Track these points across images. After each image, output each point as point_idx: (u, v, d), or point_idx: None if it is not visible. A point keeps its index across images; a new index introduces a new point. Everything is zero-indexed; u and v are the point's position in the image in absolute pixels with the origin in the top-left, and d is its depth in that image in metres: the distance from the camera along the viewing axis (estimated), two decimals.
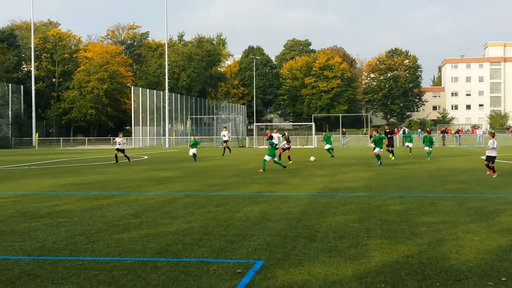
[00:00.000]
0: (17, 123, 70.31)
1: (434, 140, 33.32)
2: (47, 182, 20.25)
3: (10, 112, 68.83)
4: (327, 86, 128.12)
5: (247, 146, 60.14)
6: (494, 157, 20.27)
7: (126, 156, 31.49)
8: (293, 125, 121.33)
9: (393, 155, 31.73)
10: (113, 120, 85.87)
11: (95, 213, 12.41)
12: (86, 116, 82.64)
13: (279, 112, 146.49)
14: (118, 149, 31.31)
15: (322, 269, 7.43)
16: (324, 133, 40.68)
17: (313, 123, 65.76)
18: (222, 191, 16.62)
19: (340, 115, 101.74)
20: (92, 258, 8.18)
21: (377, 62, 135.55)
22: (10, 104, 69.05)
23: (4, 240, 9.44)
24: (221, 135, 41.14)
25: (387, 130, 34.20)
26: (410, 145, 39.88)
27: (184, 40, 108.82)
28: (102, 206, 13.50)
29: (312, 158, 29.66)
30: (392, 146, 32.68)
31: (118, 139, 31.55)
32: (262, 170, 23.65)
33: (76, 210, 12.83)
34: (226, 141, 41.03)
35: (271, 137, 26.00)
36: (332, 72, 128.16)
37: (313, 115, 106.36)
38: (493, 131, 22.45)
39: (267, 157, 24.40)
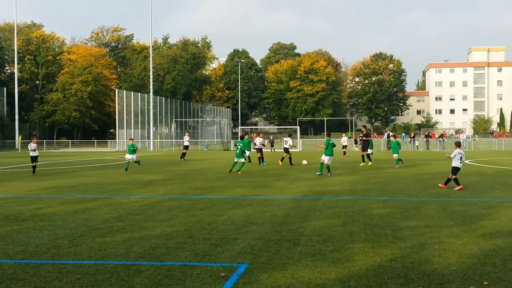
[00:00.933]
0: (0, 126, 69.66)
1: (401, 146, 31.35)
2: (30, 185, 20.08)
3: None
4: (312, 90, 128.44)
5: (231, 149, 60.07)
6: (456, 169, 17.86)
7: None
8: (278, 128, 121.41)
9: (363, 161, 29.68)
10: (97, 123, 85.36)
11: (78, 216, 12.33)
12: (69, 119, 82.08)
13: (264, 115, 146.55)
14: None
15: (305, 273, 7.44)
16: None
17: (298, 127, 65.94)
18: (207, 194, 16.58)
19: (325, 118, 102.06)
20: (75, 261, 8.12)
21: (362, 66, 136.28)
22: None
23: None
24: (185, 139, 39.38)
25: (364, 133, 32.08)
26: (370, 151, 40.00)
27: (169, 43, 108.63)
28: (86, 209, 13.41)
29: (304, 162, 29.29)
30: (366, 150, 30.21)
31: None
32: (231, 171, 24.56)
33: (59, 214, 12.73)
34: (186, 147, 39.26)
35: (241, 137, 27.03)
36: (317, 76, 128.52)
37: (298, 118, 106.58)
38: (459, 140, 21.73)
39: (237, 159, 25.01)
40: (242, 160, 24.99)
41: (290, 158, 31.00)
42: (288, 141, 31.52)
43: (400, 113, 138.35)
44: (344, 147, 42.38)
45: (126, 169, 26.75)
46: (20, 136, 67.67)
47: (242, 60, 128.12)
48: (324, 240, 9.49)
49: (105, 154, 32.41)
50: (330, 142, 23.89)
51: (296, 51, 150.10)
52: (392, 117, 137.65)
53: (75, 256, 8.46)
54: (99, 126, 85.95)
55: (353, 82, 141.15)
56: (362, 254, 8.47)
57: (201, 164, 33.28)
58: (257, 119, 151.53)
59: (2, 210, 13.29)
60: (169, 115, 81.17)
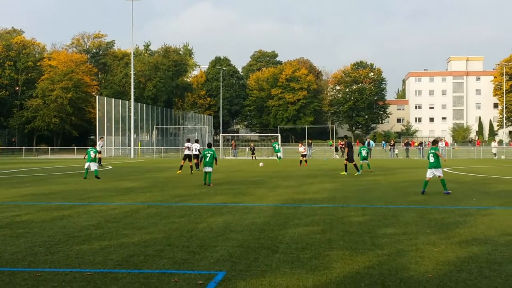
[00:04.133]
0: None
1: (364, 152, 30.55)
2: (7, 192, 19.86)
3: None
4: (293, 98, 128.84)
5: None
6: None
7: None
8: (259, 136, 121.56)
9: (345, 171, 29.29)
10: (77, 129, 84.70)
11: (56, 224, 12.22)
12: (49, 125, 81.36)
13: (245, 123, 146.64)
14: None
15: (283, 280, 7.46)
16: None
17: (279, 134, 66.10)
18: (186, 201, 16.54)
19: (306, 126, 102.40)
20: (52, 269, 8.06)
21: (343, 74, 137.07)
22: None
23: None
24: (98, 144, 38.74)
25: (347, 142, 31.47)
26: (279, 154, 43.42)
27: (150, 50, 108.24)
28: (63, 216, 13.31)
29: (261, 164, 28.74)
30: (352, 161, 29.53)
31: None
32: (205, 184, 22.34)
33: (37, 221, 12.62)
34: (99, 152, 38.17)
35: (209, 145, 24.16)
36: (298, 84, 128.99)
37: (279, 126, 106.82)
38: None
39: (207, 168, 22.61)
40: (210, 169, 22.61)
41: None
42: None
43: (380, 121, 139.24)
44: (303, 155, 40.19)
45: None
46: None
47: (224, 68, 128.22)
48: (302, 248, 9.52)
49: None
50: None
51: (278, 59, 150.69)
52: (373, 125, 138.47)
53: (52, 264, 8.39)
54: (79, 132, 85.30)
55: (334, 90, 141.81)
56: (340, 262, 8.51)
57: (183, 171, 33.16)
58: (238, 126, 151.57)
59: None
60: (150, 122, 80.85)
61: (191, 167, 30.33)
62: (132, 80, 68.37)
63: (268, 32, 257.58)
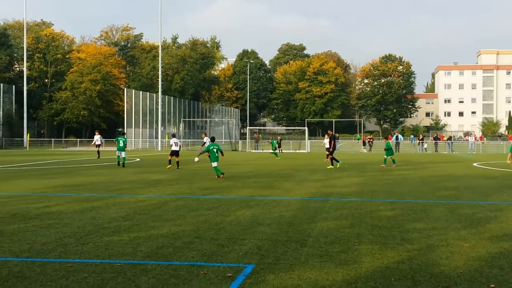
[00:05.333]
0: (8, 124, 69.88)
1: (390, 147, 30.97)
2: (37, 183, 20.14)
3: (1, 112, 68.43)
4: (320, 91, 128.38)
5: (240, 149, 60.15)
6: None
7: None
8: (286, 129, 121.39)
9: (332, 164, 29.54)
10: (105, 122, 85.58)
11: (85, 215, 12.35)
12: (78, 117, 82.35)
13: (272, 116, 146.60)
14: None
15: (312, 274, 7.42)
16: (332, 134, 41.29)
17: (306, 128, 65.91)
18: (214, 194, 16.58)
19: (334, 120, 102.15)
20: (82, 260, 8.13)
21: (371, 67, 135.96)
22: (1, 104, 68.63)
23: None
24: (94, 139, 40.28)
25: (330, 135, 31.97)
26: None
27: (178, 43, 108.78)
28: (93, 208, 13.44)
29: (196, 159, 27.68)
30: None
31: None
32: (218, 177, 22.32)
33: (67, 212, 12.76)
34: (98, 145, 39.49)
35: (212, 139, 24.40)
36: (326, 77, 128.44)
37: (306, 119, 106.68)
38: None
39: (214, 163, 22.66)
40: (216, 164, 22.65)
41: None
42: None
43: (409, 115, 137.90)
44: (327, 149, 39.86)
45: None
46: (28, 134, 67.95)
47: (251, 61, 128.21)
48: (331, 242, 9.46)
49: (113, 153, 32.61)
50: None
51: (305, 52, 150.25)
52: (401, 119, 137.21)
53: (82, 255, 8.46)
54: (107, 125, 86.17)
55: (362, 84, 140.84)
56: (369, 256, 8.44)
57: (209, 164, 33.26)
58: (265, 119, 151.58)
59: (9, 208, 13.33)
60: (177, 115, 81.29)
61: (178, 162, 28.25)
62: (160, 73, 68.77)
63: (296, 25, 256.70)
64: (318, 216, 12.32)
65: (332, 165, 29.48)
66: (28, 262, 8.01)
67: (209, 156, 23.07)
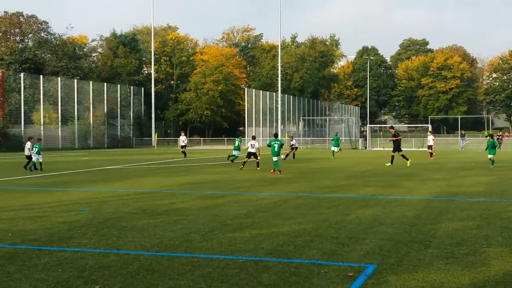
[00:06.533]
0: (138, 124, 73.71)
1: (497, 145, 28.66)
2: (165, 180, 21.06)
3: (131, 113, 72.27)
4: (445, 87, 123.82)
5: (360, 148, 59.39)
6: None
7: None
8: (408, 127, 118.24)
9: (391, 162, 28.46)
10: (227, 121, 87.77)
11: (209, 212, 12.73)
12: (201, 117, 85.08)
13: (393, 113, 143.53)
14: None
15: (437, 276, 7.17)
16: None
17: (429, 125, 63.80)
18: (334, 193, 16.49)
19: (459, 116, 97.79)
20: (206, 255, 8.38)
21: (500, 61, 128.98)
22: (131, 105, 72.49)
23: (125, 236, 9.90)
24: (180, 140, 40.78)
25: (393, 133, 30.54)
26: (335, 149, 38.79)
27: (297, 42, 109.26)
28: (216, 205, 13.83)
29: (282, 157, 26.84)
30: (399, 150, 29.09)
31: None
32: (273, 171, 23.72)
33: (192, 209, 13.23)
34: (184, 146, 39.60)
35: (275, 135, 26.38)
36: (450, 72, 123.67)
37: (429, 116, 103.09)
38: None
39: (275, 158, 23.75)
40: (276, 158, 23.65)
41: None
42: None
43: None
44: (430, 147, 37.39)
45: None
46: (156, 134, 71.20)
47: (371, 57, 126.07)
48: (457, 243, 9.10)
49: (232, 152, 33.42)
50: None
51: (428, 47, 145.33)
52: None
53: (206, 250, 8.73)
54: (229, 124, 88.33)
55: (490, 78, 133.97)
56: (498, 259, 8.02)
57: (329, 162, 33.18)
58: (386, 117, 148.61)
59: (140, 204, 14.04)
60: (296, 113, 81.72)
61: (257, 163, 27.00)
62: (279, 72, 69.45)
63: (418, 19, 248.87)
64: (443, 216, 11.88)
65: (391, 163, 28.33)
66: (157, 256, 8.39)
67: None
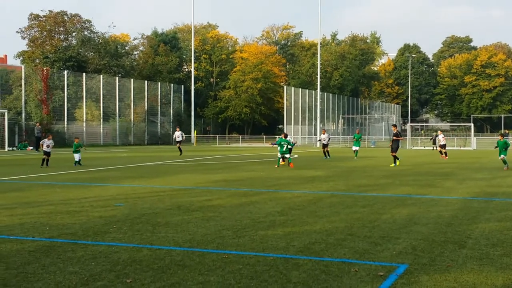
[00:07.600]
0: (178, 121, 74.33)
1: (509, 145, 26.33)
2: (201, 177, 21.22)
3: (171, 111, 73.00)
4: (489, 85, 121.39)
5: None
6: None
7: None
8: (450, 125, 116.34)
9: (394, 163, 27.72)
10: (266, 119, 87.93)
11: (243, 209, 12.78)
12: (240, 115, 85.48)
13: (435, 112, 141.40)
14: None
15: (470, 277, 7.05)
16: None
17: (472, 124, 62.65)
18: (370, 192, 16.35)
19: (503, 115, 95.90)
20: (237, 252, 8.42)
21: None
22: (172, 102, 73.22)
23: (159, 231, 10.02)
24: (175, 135, 40.73)
25: (394, 133, 29.88)
26: (356, 148, 35.76)
27: (337, 39, 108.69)
28: (251, 202, 13.87)
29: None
30: (396, 151, 28.39)
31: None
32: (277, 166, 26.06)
33: (226, 206, 13.30)
34: (179, 142, 39.86)
35: (285, 136, 27.87)
36: (495, 70, 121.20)
37: (472, 115, 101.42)
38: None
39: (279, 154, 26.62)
40: (287, 155, 26.57)
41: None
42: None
43: None
44: (442, 146, 36.08)
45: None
46: (195, 131, 71.79)
47: (413, 55, 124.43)
48: (493, 244, 8.92)
49: (273, 149, 33.57)
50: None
51: (472, 44, 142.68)
52: None
53: (237, 247, 8.77)
54: (268, 122, 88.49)
55: None
56: None
57: (367, 161, 32.92)
58: (428, 115, 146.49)
59: (176, 200, 14.19)
60: (336, 111, 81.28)
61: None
62: (318, 70, 69.18)
63: (462, 16, 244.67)
64: (480, 217, 11.67)
65: (395, 163, 27.68)
66: (188, 251, 8.46)
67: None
